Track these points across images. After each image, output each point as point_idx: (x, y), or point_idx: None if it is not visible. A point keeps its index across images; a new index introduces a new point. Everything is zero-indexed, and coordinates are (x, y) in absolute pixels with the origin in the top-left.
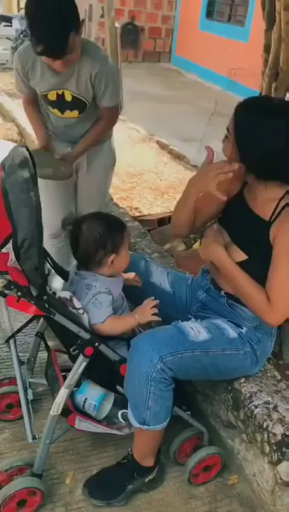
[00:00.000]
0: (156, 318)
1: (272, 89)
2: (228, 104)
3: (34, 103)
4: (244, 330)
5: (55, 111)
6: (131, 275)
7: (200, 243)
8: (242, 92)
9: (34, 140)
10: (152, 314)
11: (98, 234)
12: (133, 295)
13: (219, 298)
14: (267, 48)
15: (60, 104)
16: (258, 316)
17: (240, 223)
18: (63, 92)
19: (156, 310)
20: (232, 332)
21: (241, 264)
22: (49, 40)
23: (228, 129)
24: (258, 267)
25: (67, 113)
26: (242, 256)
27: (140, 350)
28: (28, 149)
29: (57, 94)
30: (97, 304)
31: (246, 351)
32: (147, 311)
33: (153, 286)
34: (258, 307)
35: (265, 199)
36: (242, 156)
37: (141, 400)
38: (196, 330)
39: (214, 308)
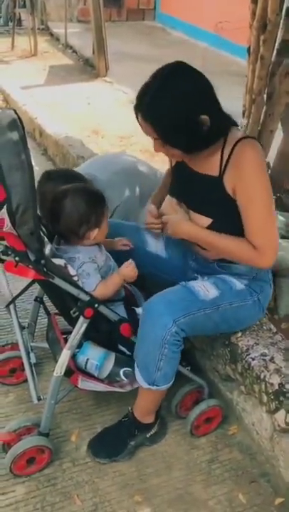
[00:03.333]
0: (135, 270)
1: (261, 43)
2: (215, 62)
3: None
4: (246, 283)
5: None
6: (118, 241)
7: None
8: (230, 49)
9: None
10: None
11: (82, 210)
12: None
13: (209, 264)
14: None
15: None
16: (252, 267)
17: (191, 189)
18: None
19: (134, 265)
20: (239, 284)
21: (209, 228)
22: None
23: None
24: (226, 225)
25: None
26: (207, 221)
27: (153, 313)
28: (15, 112)
29: None
30: (84, 274)
31: (254, 300)
32: (128, 268)
33: (150, 256)
34: (247, 258)
35: (204, 156)
36: (165, 141)
37: (153, 362)
38: (205, 288)
39: (210, 273)
